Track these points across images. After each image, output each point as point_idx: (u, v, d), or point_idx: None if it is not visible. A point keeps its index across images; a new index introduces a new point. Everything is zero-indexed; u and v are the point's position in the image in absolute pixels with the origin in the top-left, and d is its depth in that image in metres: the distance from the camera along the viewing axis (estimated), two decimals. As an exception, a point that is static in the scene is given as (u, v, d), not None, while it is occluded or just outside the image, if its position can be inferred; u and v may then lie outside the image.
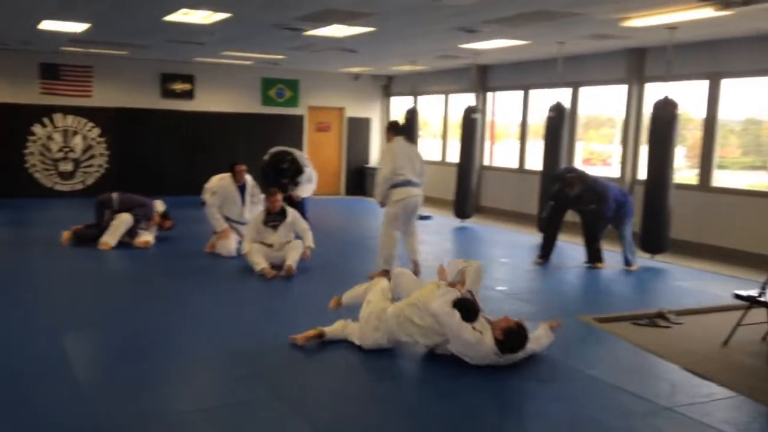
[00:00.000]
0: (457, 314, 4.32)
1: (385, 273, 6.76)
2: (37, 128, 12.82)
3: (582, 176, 7.86)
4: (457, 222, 11.46)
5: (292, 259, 7.03)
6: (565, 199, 7.89)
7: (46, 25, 9.18)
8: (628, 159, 10.19)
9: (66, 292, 6.26)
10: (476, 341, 4.30)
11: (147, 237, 8.35)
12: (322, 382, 4.21)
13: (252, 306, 5.98)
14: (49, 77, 12.78)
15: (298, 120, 15.19)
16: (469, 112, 11.29)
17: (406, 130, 7.23)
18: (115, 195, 8.51)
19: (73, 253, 7.93)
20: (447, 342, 4.45)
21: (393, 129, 7.10)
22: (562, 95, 10.32)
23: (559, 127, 9.82)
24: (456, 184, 11.49)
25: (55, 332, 4.90)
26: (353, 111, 15.80)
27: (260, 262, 6.95)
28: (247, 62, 13.44)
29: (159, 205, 8.77)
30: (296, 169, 9.20)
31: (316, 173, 9.74)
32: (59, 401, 3.75)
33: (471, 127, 11.26)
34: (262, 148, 14.64)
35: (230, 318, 5.52)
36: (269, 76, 14.64)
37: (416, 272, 7.04)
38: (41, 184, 12.96)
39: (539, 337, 4.63)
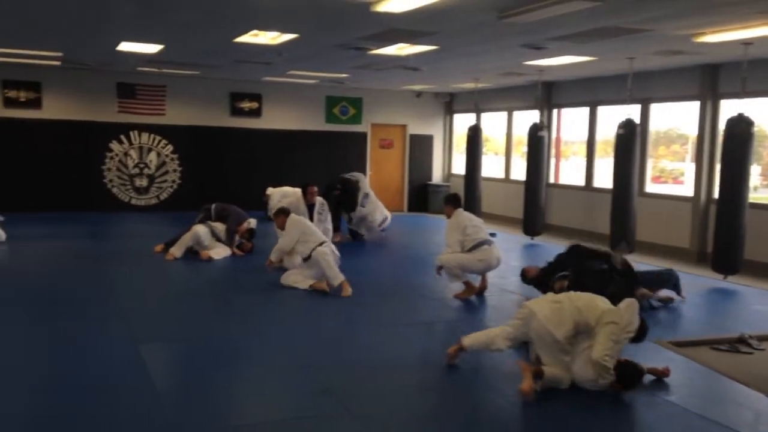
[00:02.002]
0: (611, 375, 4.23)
1: (467, 283, 6.89)
2: (114, 145, 13.41)
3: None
4: (525, 239, 11.35)
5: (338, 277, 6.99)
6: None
7: (124, 46, 9.62)
8: (703, 177, 9.88)
9: (144, 303, 6.49)
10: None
11: (212, 252, 8.59)
12: (396, 400, 4.21)
13: (323, 321, 6.09)
14: (125, 96, 13.35)
15: (361, 137, 15.38)
16: (535, 129, 11.21)
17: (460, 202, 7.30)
18: (213, 205, 8.89)
19: (151, 264, 8.23)
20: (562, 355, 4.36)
21: (453, 202, 7.16)
22: (632, 111, 10.13)
23: (630, 144, 9.63)
24: (524, 202, 11.41)
25: (134, 341, 5.10)
26: (416, 128, 15.88)
27: (300, 281, 7.06)
28: (312, 81, 13.71)
29: (251, 222, 9.09)
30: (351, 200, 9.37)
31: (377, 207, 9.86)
32: (139, 409, 3.91)
33: (537, 144, 11.17)
34: (326, 165, 15.05)
35: (303, 332, 5.63)
36: (333, 94, 14.88)
37: (483, 287, 7.07)
38: (118, 198, 13.51)
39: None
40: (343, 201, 9.63)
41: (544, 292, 6.47)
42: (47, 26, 8.25)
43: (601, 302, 4.46)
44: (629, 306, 4.45)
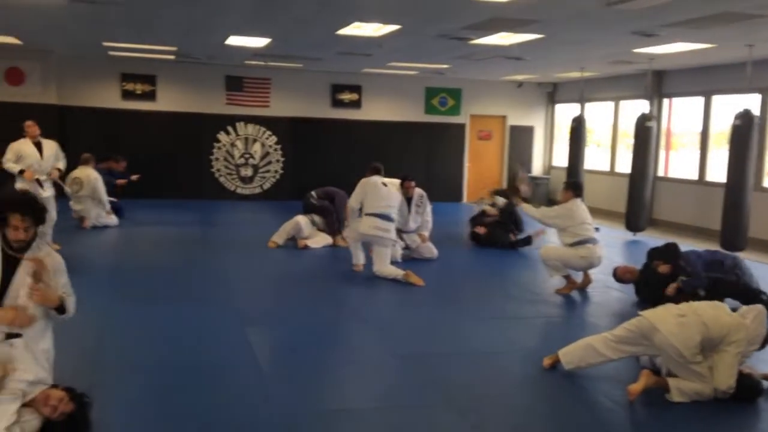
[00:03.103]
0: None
1: (567, 278, 6.78)
2: (222, 136, 13.98)
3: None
4: (628, 235, 10.93)
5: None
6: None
7: (233, 40, 9.99)
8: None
9: (249, 288, 6.76)
10: None
11: (309, 241, 8.79)
12: (496, 393, 4.18)
13: (422, 312, 6.12)
14: (233, 89, 13.88)
15: (459, 128, 15.28)
16: (643, 119, 10.73)
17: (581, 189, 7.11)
18: (314, 191, 9.26)
19: (255, 250, 8.54)
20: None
21: (574, 189, 6.97)
22: (750, 101, 9.50)
23: (747, 136, 9.05)
24: (627, 196, 10.97)
25: (242, 324, 5.32)
26: (516, 119, 15.60)
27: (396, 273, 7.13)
28: (412, 72, 13.74)
29: None
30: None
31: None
32: (247, 390, 4.07)
33: (645, 136, 10.70)
34: (425, 156, 15.06)
35: (401, 322, 5.69)
36: (432, 85, 14.85)
37: (585, 284, 6.88)
38: (224, 187, 14.09)
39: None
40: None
41: (648, 295, 6.23)
42: (164, 22, 8.70)
43: (727, 315, 4.17)
44: (757, 316, 4.17)
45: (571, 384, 4.34)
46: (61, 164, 8.03)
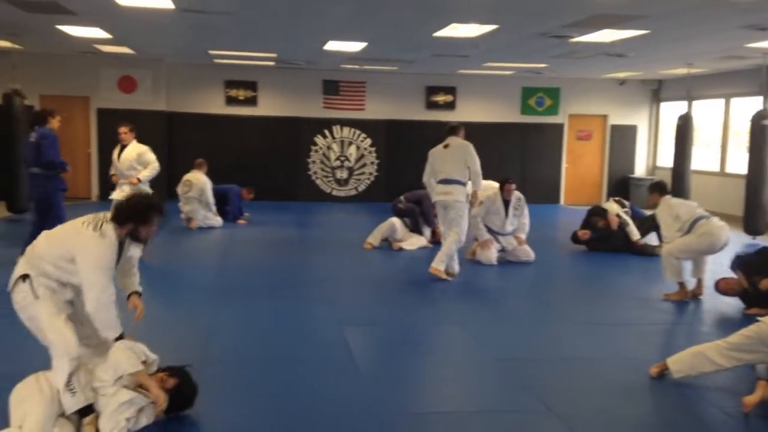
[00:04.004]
0: None
1: (681, 284, 6.46)
2: (318, 139, 14.29)
3: None
4: (746, 238, 10.32)
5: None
6: None
7: (331, 45, 10.20)
8: None
9: (347, 289, 6.85)
10: None
11: (404, 243, 8.81)
12: (599, 401, 4.04)
13: (520, 315, 6.02)
14: (330, 93, 14.17)
15: (557, 128, 14.92)
16: (759, 118, 10.10)
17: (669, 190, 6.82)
18: (403, 195, 9.30)
19: (350, 252, 8.67)
20: None
21: (659, 189, 6.66)
22: None
23: None
24: (745, 197, 10.37)
25: (339, 323, 5.40)
26: (617, 118, 15.06)
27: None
28: (508, 72, 13.54)
29: None
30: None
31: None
32: (344, 390, 4.13)
33: (761, 135, 10.07)
34: (520, 157, 14.80)
35: (498, 325, 5.61)
36: (529, 85, 14.58)
37: (697, 293, 6.52)
38: (321, 189, 14.40)
39: None
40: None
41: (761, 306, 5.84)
42: (267, 29, 9.00)
43: None
44: None
45: (680, 394, 4.13)
46: (144, 173, 7.73)
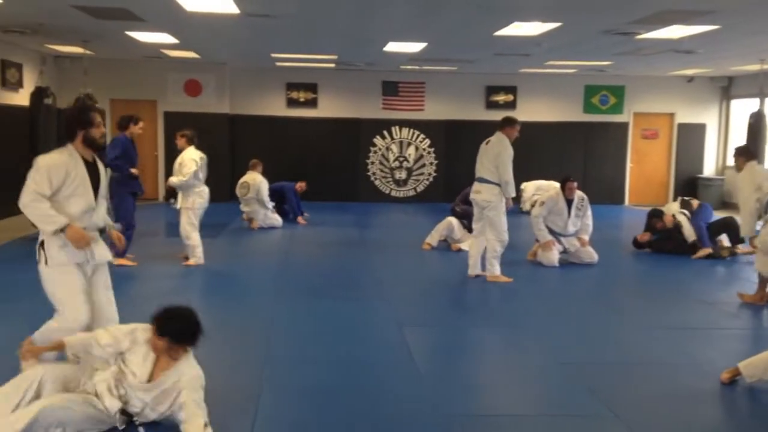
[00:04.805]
0: None
1: (762, 284, 6.19)
2: (377, 140, 14.35)
3: None
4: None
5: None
6: None
7: (391, 46, 10.22)
8: None
9: (406, 289, 6.84)
10: None
11: (462, 245, 8.73)
12: (666, 407, 3.90)
13: (583, 318, 5.89)
14: (389, 94, 14.21)
15: (622, 127, 14.56)
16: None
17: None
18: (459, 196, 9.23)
19: (409, 252, 8.67)
20: None
21: (745, 153, 6.45)
22: None
23: None
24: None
25: (398, 325, 5.41)
26: (685, 116, 14.58)
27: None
28: (571, 70, 13.29)
29: None
30: None
31: None
32: (404, 390, 4.12)
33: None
34: (583, 157, 14.50)
35: (560, 328, 5.50)
36: (593, 83, 14.28)
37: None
38: (379, 189, 14.46)
39: None
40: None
41: None
42: (329, 32, 9.09)
43: None
44: None
45: (753, 400, 3.98)
46: (173, 178, 7.55)
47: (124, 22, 8.49)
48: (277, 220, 10.60)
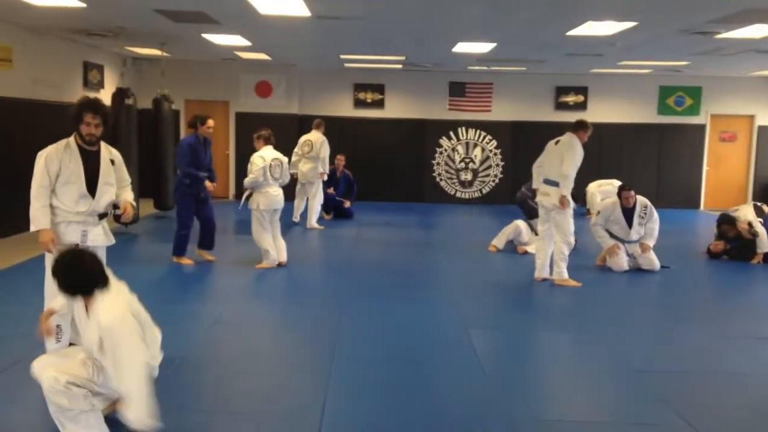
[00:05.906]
0: None
1: None
2: (443, 141, 14.31)
3: None
4: None
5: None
6: None
7: (460, 47, 10.17)
8: None
9: (472, 291, 6.81)
10: None
11: (529, 248, 8.61)
12: (745, 420, 3.77)
13: (654, 324, 5.74)
14: (456, 95, 14.15)
15: (698, 129, 14.04)
16: None
17: None
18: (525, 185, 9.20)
19: (474, 253, 8.62)
20: None
21: None
22: None
23: None
24: None
25: (464, 327, 5.39)
26: (766, 118, 13.95)
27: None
28: (645, 71, 12.92)
29: None
30: None
31: None
32: (469, 392, 4.11)
33: None
34: (657, 160, 14.07)
35: (630, 334, 5.37)
36: (668, 84, 13.83)
37: None
38: (445, 191, 14.41)
39: None
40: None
41: None
42: (398, 33, 9.13)
43: None
44: None
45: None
46: (247, 179, 7.43)
47: (201, 25, 8.74)
48: (321, 200, 10.75)
